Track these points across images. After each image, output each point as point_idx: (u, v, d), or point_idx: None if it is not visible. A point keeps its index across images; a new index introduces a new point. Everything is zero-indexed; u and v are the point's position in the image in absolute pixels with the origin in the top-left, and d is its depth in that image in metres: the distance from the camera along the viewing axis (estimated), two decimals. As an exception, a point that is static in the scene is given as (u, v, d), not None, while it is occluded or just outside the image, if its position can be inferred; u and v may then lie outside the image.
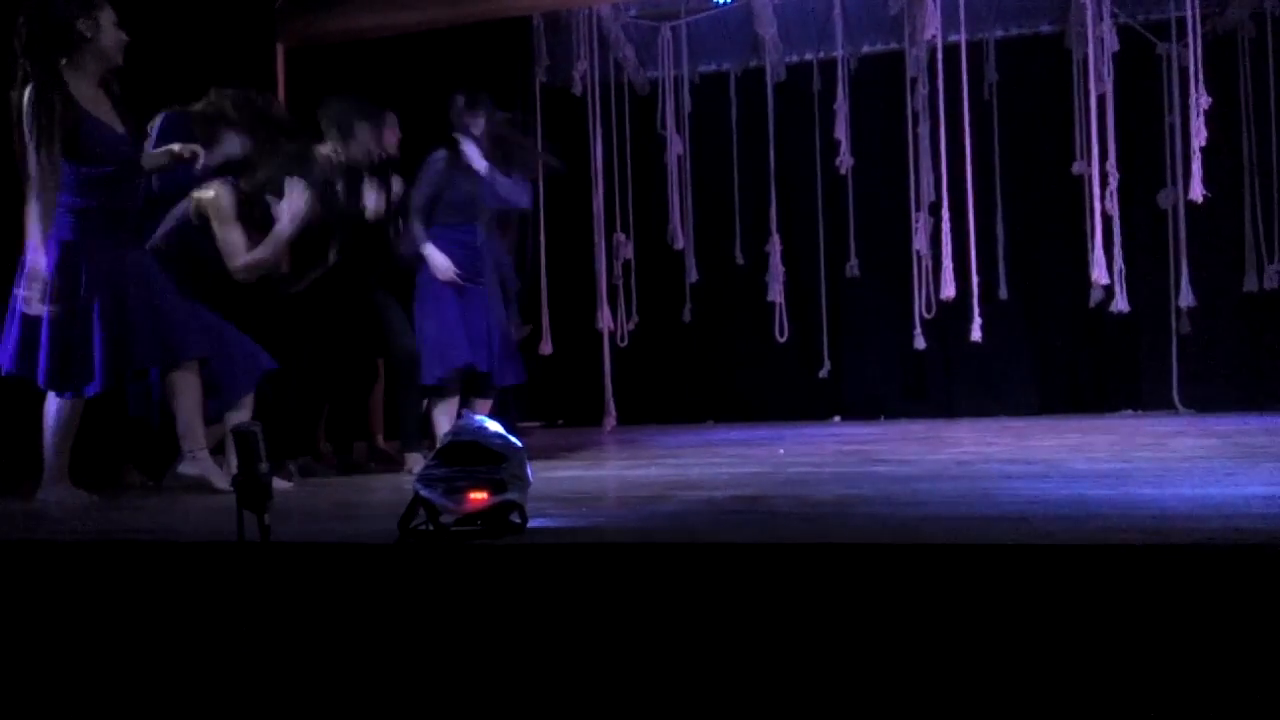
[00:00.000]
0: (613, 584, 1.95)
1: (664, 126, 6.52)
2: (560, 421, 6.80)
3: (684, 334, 6.88)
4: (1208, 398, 5.99)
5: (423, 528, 2.18)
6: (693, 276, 6.65)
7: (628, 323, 6.60)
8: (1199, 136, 5.13)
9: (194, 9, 4.58)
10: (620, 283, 6.60)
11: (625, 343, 6.57)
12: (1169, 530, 2.09)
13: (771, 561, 1.96)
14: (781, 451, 4.49)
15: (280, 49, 5.20)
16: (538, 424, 6.27)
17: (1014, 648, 1.79)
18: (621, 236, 6.58)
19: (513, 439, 2.30)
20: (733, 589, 1.91)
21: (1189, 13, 5.36)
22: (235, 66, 4.76)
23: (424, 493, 2.15)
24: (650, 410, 6.82)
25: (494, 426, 2.30)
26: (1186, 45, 5.42)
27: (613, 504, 3.03)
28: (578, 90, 6.32)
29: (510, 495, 2.17)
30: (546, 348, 6.18)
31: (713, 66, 6.91)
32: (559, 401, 6.79)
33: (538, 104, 6.32)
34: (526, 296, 6.01)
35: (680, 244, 6.51)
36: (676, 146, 6.49)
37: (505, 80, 6.43)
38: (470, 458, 2.18)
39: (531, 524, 2.27)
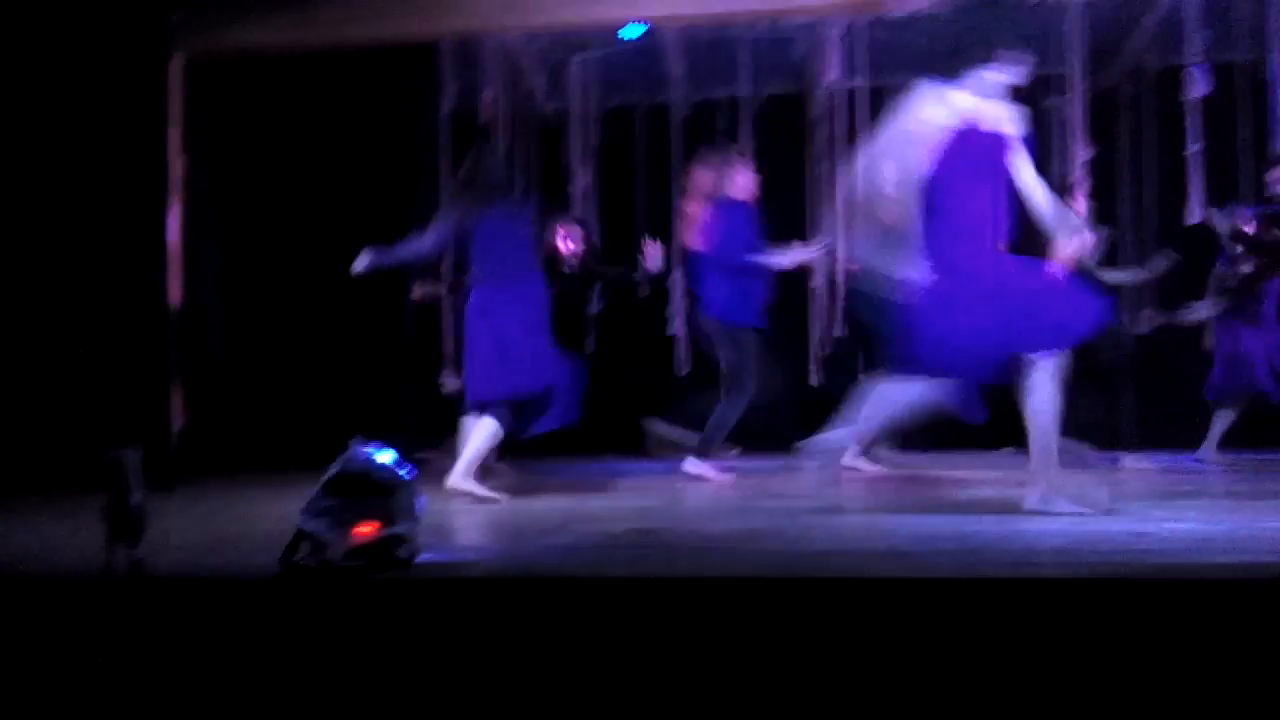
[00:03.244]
0: (499, 619, 1.91)
1: (570, 158, 6.54)
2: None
3: (587, 365, 6.86)
4: (1090, 436, 6.24)
5: (306, 562, 2.11)
6: (595, 307, 6.65)
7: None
8: (1081, 188, 5.39)
9: (85, 15, 4.43)
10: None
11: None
12: (1038, 564, 2.17)
13: (659, 595, 1.96)
14: (679, 486, 4.51)
15: (179, 61, 5.05)
16: (435, 454, 6.18)
17: (893, 679, 1.82)
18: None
19: (402, 471, 2.26)
20: (619, 623, 1.90)
21: (1071, 70, 5.66)
22: (126, 77, 4.61)
23: (307, 526, 2.08)
24: (553, 442, 6.76)
25: (384, 457, 2.25)
26: (1071, 100, 5.71)
27: (507, 537, 2.99)
28: (484, 118, 6.29)
29: (398, 529, 2.12)
30: (449, 380, 6.10)
31: (620, 100, 6.97)
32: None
33: (443, 130, 6.27)
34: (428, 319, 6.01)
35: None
36: (583, 178, 6.52)
37: (410, 105, 6.39)
38: (358, 489, 2.12)
39: (420, 558, 2.22)
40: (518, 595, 1.98)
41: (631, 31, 5.87)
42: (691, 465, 4.89)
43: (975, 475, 4.59)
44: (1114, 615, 1.83)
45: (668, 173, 6.67)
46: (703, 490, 4.20)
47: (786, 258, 5.05)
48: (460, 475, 4.01)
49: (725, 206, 4.98)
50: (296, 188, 5.98)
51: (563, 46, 6.38)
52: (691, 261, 5.13)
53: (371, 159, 6.20)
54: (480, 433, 4.09)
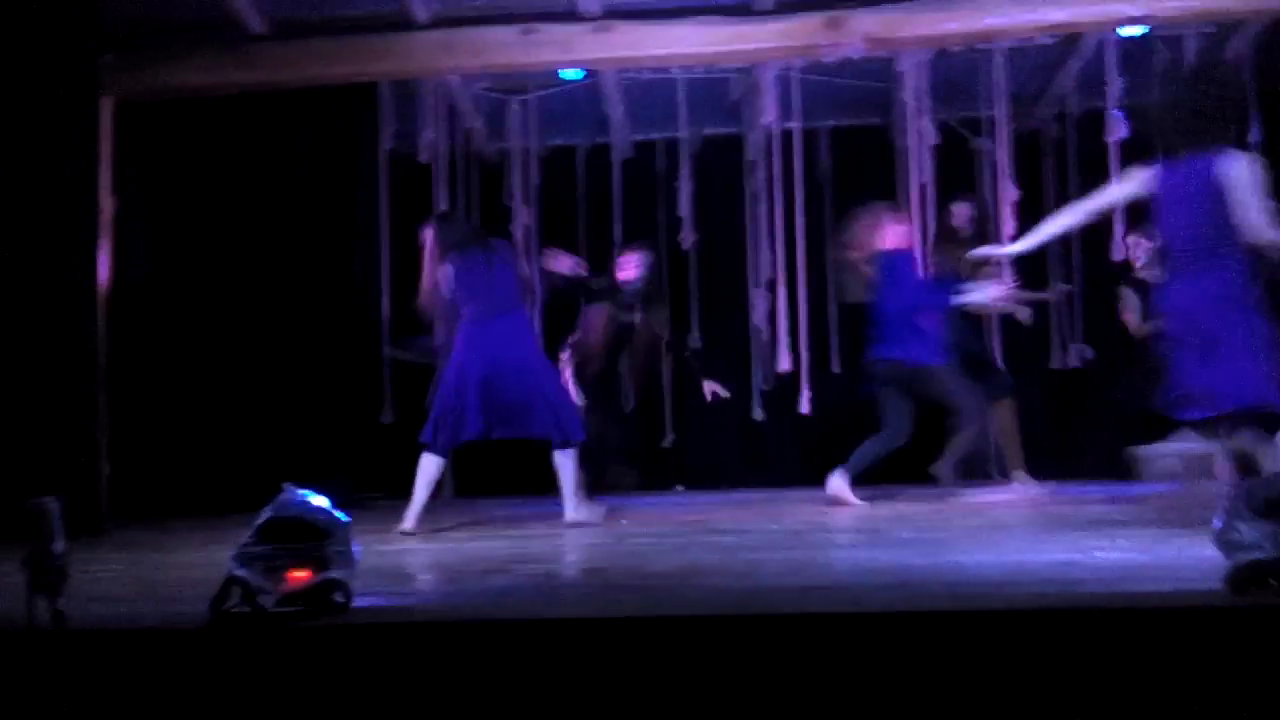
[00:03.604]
0: (438, 665, 1.88)
1: (511, 197, 6.56)
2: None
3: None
4: (1031, 466, 6.38)
5: (238, 610, 2.05)
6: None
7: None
8: (1008, 225, 5.56)
9: (12, 54, 4.36)
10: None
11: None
12: (973, 596, 2.20)
13: (601, 636, 1.94)
14: (624, 522, 4.50)
15: (109, 102, 4.98)
16: (380, 495, 6.08)
17: (835, 714, 1.83)
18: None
19: (338, 514, 2.22)
20: (560, 665, 1.89)
21: (999, 113, 5.85)
22: (57, 118, 4.53)
23: (239, 572, 2.03)
24: (495, 480, 6.72)
25: (318, 501, 2.21)
26: (997, 141, 5.90)
27: (446, 579, 2.95)
28: (424, 158, 6.29)
29: (333, 573, 2.08)
30: (388, 416, 6.04)
31: (560, 140, 7.03)
32: (402, 471, 6.61)
33: (382, 170, 6.26)
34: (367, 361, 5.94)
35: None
36: (523, 217, 6.54)
37: (350, 145, 6.35)
38: (291, 535, 2.08)
39: (356, 603, 2.18)
40: (456, 639, 1.95)
41: (571, 74, 5.94)
42: (834, 486, 4.98)
43: (914, 508, 4.65)
44: (1044, 644, 1.86)
45: (609, 212, 6.73)
46: (645, 527, 4.19)
47: (980, 294, 5.18)
48: (572, 509, 4.28)
49: (889, 258, 5.17)
50: (233, 227, 5.90)
51: (502, 88, 6.43)
52: (873, 316, 5.26)
53: (310, 198, 6.15)
54: (567, 467, 4.32)
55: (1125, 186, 3.83)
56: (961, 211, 5.61)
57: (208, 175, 5.90)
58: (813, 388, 5.84)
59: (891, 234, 5.23)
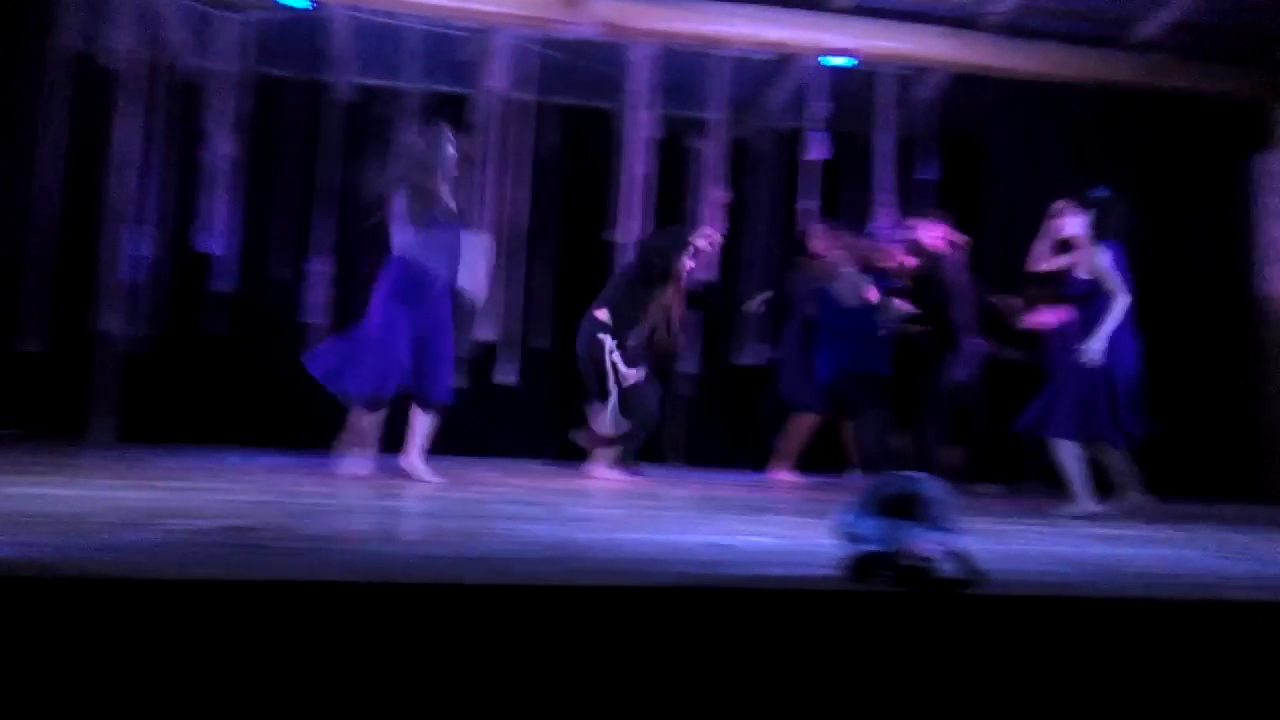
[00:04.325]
0: (55, 624, 1.69)
1: (212, 122, 6.04)
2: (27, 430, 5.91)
3: (216, 347, 6.37)
4: (704, 454, 6.78)
5: None
6: (229, 286, 6.18)
7: (145, 328, 5.97)
8: (715, 225, 5.86)
9: None
10: (141, 282, 5.96)
11: (140, 349, 5.93)
12: (625, 572, 2.29)
13: (233, 600, 1.83)
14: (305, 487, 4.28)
15: None
16: (13, 431, 5.41)
17: (476, 686, 1.83)
18: (146, 230, 5.96)
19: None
20: (176, 628, 1.75)
21: (716, 117, 6.14)
22: None
23: None
24: (168, 427, 6.20)
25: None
26: (712, 144, 6.19)
27: (82, 530, 2.66)
28: (111, 63, 5.64)
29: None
30: (35, 344, 5.39)
31: (276, 71, 6.57)
32: (48, 407, 5.93)
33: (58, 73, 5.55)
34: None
35: (217, 249, 6.03)
36: (225, 146, 6.04)
37: (18, 36, 5.58)
38: None
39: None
40: (67, 596, 1.76)
41: (295, 0, 5.55)
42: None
43: (598, 486, 4.79)
44: (684, 621, 1.96)
45: (327, 156, 6.37)
46: (317, 487, 4.02)
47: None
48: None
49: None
50: None
51: (213, 1, 5.90)
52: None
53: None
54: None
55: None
56: (818, 231, 5.81)
57: None
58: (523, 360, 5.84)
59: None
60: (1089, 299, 4.51)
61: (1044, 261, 4.87)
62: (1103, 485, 4.58)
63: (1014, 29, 5.72)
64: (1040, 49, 5.71)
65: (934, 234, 5.52)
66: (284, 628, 1.81)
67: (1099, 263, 4.50)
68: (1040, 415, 4.54)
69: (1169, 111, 6.20)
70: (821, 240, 5.85)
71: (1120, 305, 4.42)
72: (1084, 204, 4.58)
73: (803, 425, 5.99)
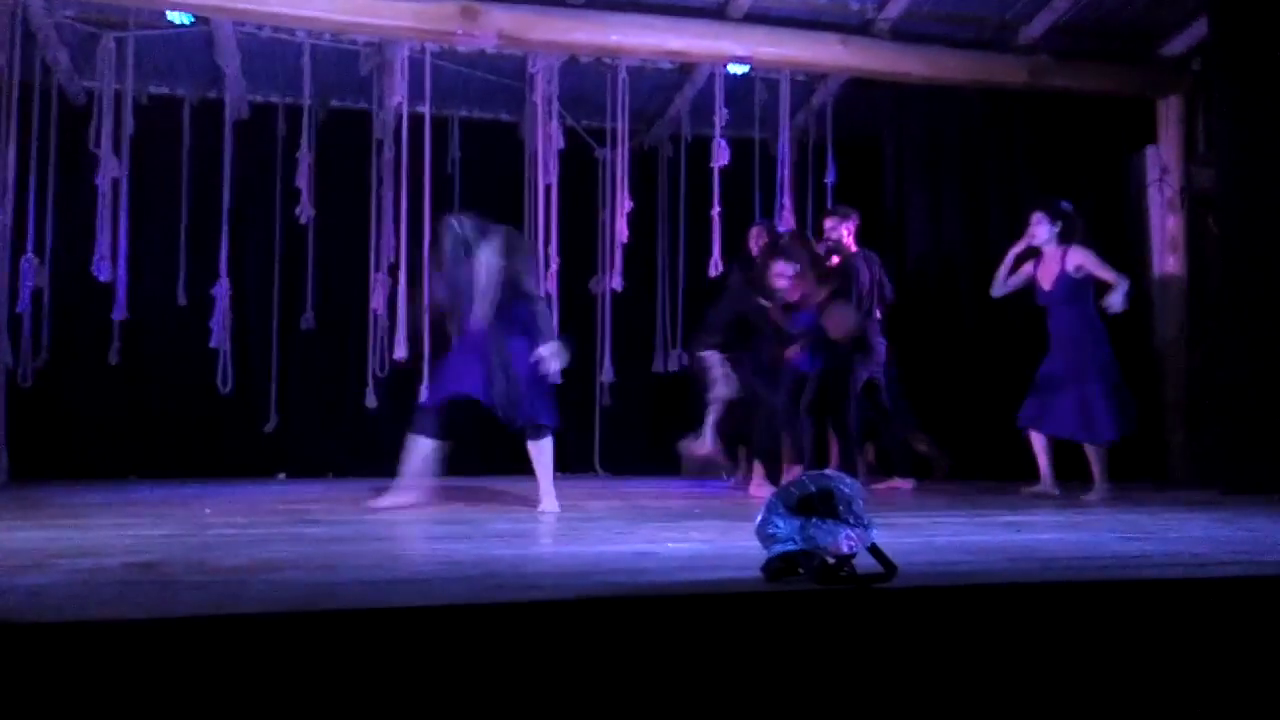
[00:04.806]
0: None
1: (98, 144, 5.81)
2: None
3: (109, 377, 6.13)
4: (622, 462, 6.78)
5: None
6: (122, 314, 5.95)
7: (34, 360, 5.72)
8: (622, 234, 5.87)
9: None
10: (27, 312, 5.70)
11: (28, 382, 5.67)
12: (541, 586, 2.28)
13: (145, 640, 1.75)
14: (208, 511, 4.14)
15: None
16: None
17: (405, 712, 1.79)
18: (33, 259, 5.70)
19: None
20: (97, 672, 1.67)
21: (621, 127, 6.16)
22: None
23: None
24: (60, 463, 5.94)
25: None
26: (618, 154, 6.21)
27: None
28: (-9, 87, 5.40)
29: None
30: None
31: (165, 89, 6.37)
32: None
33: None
34: None
35: (107, 276, 5.80)
36: (112, 168, 5.82)
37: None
38: None
39: None
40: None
41: (179, 16, 5.38)
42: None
43: (522, 499, 4.75)
44: (608, 632, 1.95)
45: (219, 175, 6.19)
46: (230, 517, 3.89)
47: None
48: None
49: None
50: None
51: (94, 20, 5.68)
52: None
53: None
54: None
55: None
56: (758, 235, 5.75)
57: None
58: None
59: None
60: (1072, 297, 5.01)
61: (1003, 285, 5.29)
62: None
63: (902, 34, 5.88)
64: (928, 53, 5.88)
65: (850, 230, 5.56)
66: (195, 665, 1.74)
67: (1089, 258, 4.99)
68: (1082, 422, 4.95)
69: (1056, 110, 6.44)
70: (758, 243, 5.86)
71: (1124, 284, 4.88)
72: (1053, 215, 5.12)
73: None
